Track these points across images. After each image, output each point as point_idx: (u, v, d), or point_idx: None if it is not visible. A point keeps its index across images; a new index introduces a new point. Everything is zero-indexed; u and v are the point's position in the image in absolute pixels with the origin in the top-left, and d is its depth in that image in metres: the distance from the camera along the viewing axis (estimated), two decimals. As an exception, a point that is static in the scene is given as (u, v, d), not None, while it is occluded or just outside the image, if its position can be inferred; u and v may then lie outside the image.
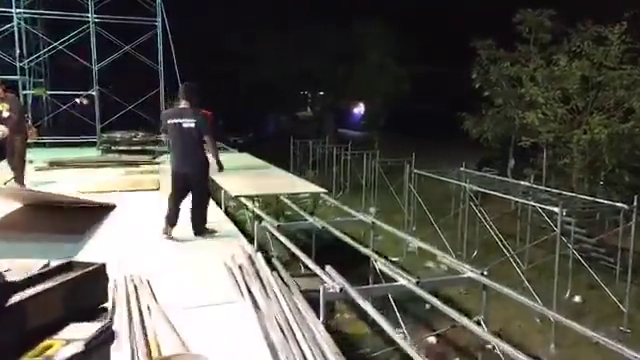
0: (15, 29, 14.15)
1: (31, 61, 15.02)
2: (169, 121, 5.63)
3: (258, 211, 6.30)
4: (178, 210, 5.77)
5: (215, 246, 5.55)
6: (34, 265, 3.80)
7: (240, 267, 4.70)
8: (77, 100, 14.78)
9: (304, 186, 8.20)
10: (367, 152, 12.63)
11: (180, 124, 5.55)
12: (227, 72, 20.25)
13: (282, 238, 4.95)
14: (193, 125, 5.55)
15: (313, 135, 17.28)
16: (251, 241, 5.59)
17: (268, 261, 4.95)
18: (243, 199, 6.92)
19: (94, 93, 14.91)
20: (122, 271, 4.64)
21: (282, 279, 4.41)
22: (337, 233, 5.12)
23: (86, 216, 6.57)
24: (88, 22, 14.53)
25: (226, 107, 18.63)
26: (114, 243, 5.54)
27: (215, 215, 6.19)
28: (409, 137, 20.77)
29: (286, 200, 6.98)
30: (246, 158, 11.24)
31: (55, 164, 10.91)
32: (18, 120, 8.14)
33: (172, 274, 4.71)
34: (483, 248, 8.79)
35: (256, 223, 5.12)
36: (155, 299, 3.98)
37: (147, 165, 11.42)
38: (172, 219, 5.76)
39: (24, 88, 14.78)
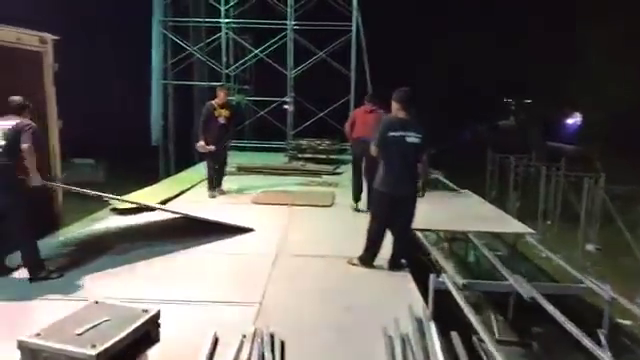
0: (223, 38, 14.97)
1: (237, 68, 15.77)
2: (390, 133, 4.69)
3: (436, 254, 4.93)
4: (383, 239, 4.93)
5: (380, 297, 4.36)
6: (135, 314, 3.11)
7: (404, 340, 3.42)
8: (286, 106, 15.02)
9: (502, 222, 6.50)
10: (587, 175, 10.09)
11: (403, 138, 4.67)
12: (421, 76, 19.01)
13: (467, 309, 3.51)
14: (417, 141, 4.68)
15: (516, 148, 14.93)
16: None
17: (446, 327, 3.59)
18: (419, 233, 5.60)
19: (288, 99, 15.04)
20: (261, 319, 3.78)
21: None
22: (552, 310, 3.47)
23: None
24: (287, 29, 14.70)
25: (421, 114, 17.39)
26: (261, 278, 4.74)
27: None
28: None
29: (475, 240, 5.43)
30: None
31: (243, 169, 10.97)
32: (230, 129, 8.25)
33: (316, 332, 3.66)
34: None
35: (432, 277, 3.77)
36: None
37: (328, 176, 10.82)
38: (376, 249, 4.94)
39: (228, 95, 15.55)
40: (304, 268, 5.01)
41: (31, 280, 4.40)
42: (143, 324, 2.85)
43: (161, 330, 3.34)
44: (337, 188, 9.07)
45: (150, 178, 12.05)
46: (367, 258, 4.95)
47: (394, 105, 4.87)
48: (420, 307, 3.89)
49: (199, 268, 4.96)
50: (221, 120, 8.03)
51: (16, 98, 4.62)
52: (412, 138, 4.67)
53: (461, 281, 3.90)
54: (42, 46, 6.15)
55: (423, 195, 5.00)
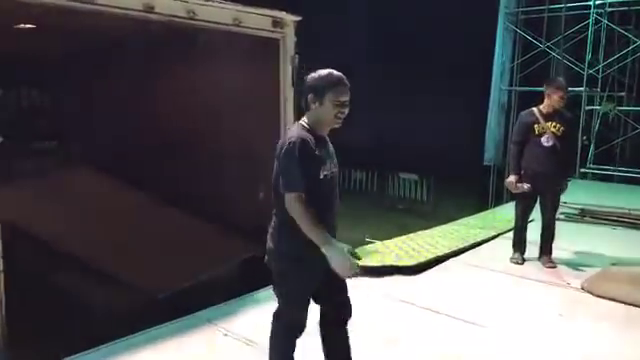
0: (590, 28, 11.07)
1: (608, 66, 11.53)
2: None
3: None
4: None
5: None
6: None
7: None
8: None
9: None
10: None
11: None
12: None
13: None
14: None
15: None
16: None
17: None
18: None
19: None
20: None
21: None
22: None
23: None
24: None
25: None
26: None
27: None
28: None
29: None
30: None
31: (588, 215, 7.23)
32: (564, 156, 4.90)
33: None
34: None
35: None
36: None
37: None
38: None
39: (590, 103, 11.56)
40: None
41: None
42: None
43: None
44: None
45: (475, 204, 9.87)
46: None
47: None
48: None
49: None
50: (546, 141, 4.73)
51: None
52: None
53: None
54: (277, 31, 4.47)
55: None
